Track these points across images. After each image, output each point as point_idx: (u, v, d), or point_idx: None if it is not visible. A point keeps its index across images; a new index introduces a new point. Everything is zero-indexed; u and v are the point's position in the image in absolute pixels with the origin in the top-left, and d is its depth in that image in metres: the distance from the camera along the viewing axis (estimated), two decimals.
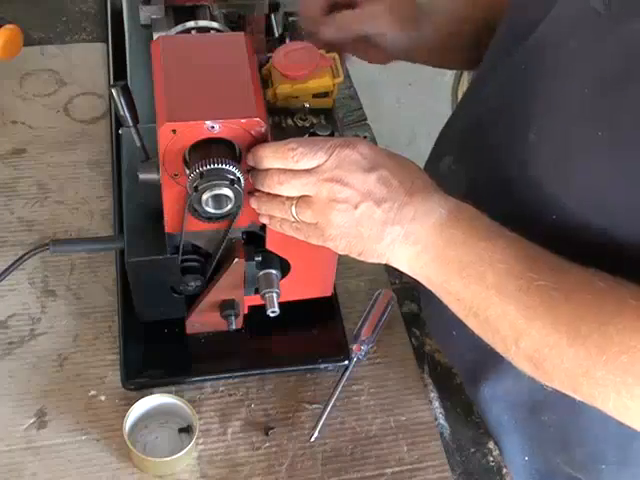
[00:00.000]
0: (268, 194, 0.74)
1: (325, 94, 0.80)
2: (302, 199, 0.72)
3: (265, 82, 0.80)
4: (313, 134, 0.77)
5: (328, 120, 0.79)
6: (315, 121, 0.79)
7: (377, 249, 0.72)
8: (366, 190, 0.70)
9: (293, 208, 0.73)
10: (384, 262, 0.73)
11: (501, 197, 0.75)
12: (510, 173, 0.75)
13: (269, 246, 0.85)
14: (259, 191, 0.75)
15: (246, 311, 0.92)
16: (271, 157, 0.72)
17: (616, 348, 0.63)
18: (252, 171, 0.74)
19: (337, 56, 0.82)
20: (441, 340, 0.96)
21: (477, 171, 0.82)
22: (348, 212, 0.70)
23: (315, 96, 0.80)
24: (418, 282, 0.74)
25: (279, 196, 0.73)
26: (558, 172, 0.70)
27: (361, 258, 0.74)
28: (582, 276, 0.66)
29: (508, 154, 0.75)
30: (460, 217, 0.70)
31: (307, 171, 0.71)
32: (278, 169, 0.72)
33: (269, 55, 0.81)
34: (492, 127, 0.79)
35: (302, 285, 0.91)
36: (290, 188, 0.72)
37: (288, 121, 0.79)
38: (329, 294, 0.95)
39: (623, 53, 0.63)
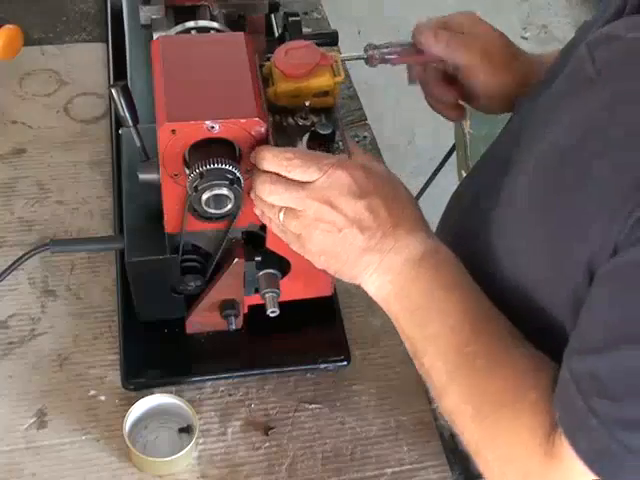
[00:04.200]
0: None
1: (326, 93, 0.80)
2: (291, 209, 0.73)
3: (266, 81, 0.80)
4: (314, 133, 0.77)
5: (329, 119, 0.79)
6: (316, 120, 0.79)
7: (352, 272, 0.74)
8: (353, 216, 0.71)
9: (281, 214, 0.73)
10: (356, 283, 0.75)
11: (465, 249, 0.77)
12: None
13: (269, 245, 0.85)
14: None
15: (246, 311, 0.92)
16: (269, 160, 0.72)
17: (502, 439, 0.66)
18: (253, 169, 0.74)
19: (337, 55, 0.82)
20: None
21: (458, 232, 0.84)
22: (331, 234, 0.71)
23: (316, 95, 0.80)
24: None
25: None
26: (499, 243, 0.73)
27: (336, 276, 0.76)
28: (512, 353, 0.69)
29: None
30: (432, 260, 0.72)
31: (299, 184, 0.71)
32: (272, 176, 0.72)
33: (269, 55, 0.81)
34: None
35: (302, 285, 0.91)
36: (278, 199, 0.73)
37: (289, 120, 0.79)
38: (329, 294, 0.95)
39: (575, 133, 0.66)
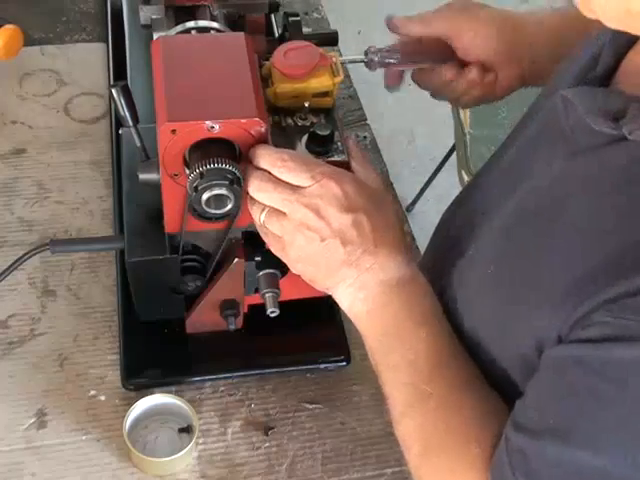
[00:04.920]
0: None
1: (325, 93, 0.80)
2: (275, 210, 0.73)
3: (265, 81, 0.80)
4: (313, 133, 0.77)
5: (328, 119, 0.79)
6: (315, 120, 0.79)
7: (327, 282, 0.74)
8: (337, 228, 0.71)
9: (263, 215, 0.73)
10: (329, 293, 0.75)
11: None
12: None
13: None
14: None
15: (246, 310, 0.92)
16: (264, 158, 0.73)
17: None
18: (247, 166, 0.75)
19: (337, 55, 0.82)
20: None
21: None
22: (314, 242, 0.71)
23: (315, 95, 0.80)
24: None
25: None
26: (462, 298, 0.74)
27: (310, 284, 0.76)
28: (466, 401, 0.70)
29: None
30: (406, 288, 0.72)
31: (290, 187, 0.71)
32: (263, 174, 0.72)
33: (269, 55, 0.81)
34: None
35: (302, 284, 0.91)
36: (266, 198, 0.73)
37: (288, 120, 0.79)
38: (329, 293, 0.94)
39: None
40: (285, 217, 0.72)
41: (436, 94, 0.93)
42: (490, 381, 0.71)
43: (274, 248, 0.76)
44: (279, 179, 0.72)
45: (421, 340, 0.71)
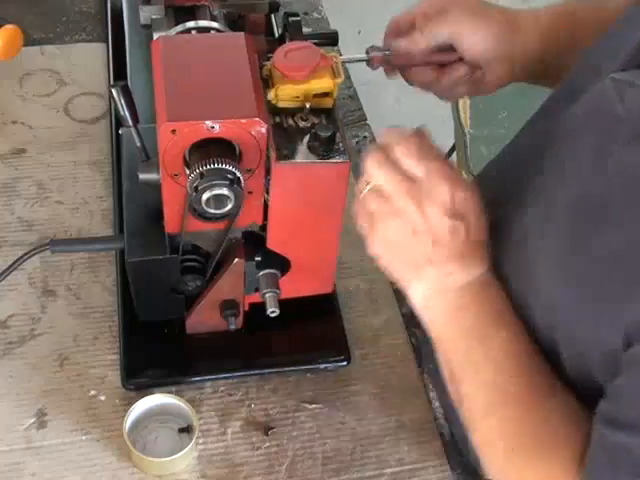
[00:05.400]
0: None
1: (326, 94, 0.80)
2: (380, 188, 0.72)
3: (266, 82, 0.80)
4: (315, 134, 0.77)
5: (329, 120, 0.79)
6: (316, 121, 0.79)
7: (404, 275, 0.74)
8: (434, 228, 0.70)
9: (367, 188, 0.73)
10: (402, 285, 0.75)
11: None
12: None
13: (270, 245, 0.85)
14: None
15: (247, 309, 0.92)
16: (392, 132, 0.73)
17: None
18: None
19: (337, 55, 0.82)
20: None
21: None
22: (406, 232, 0.71)
23: (316, 96, 0.80)
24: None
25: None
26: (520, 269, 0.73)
27: (385, 270, 0.75)
28: (549, 401, 0.70)
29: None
30: (485, 292, 0.73)
31: (402, 174, 0.71)
32: (383, 152, 0.72)
33: (269, 55, 0.81)
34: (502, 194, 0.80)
35: (303, 282, 0.91)
36: (376, 174, 0.72)
37: (289, 121, 0.79)
38: (330, 290, 0.95)
39: (620, 176, 0.65)
40: (387, 199, 0.71)
41: (422, 89, 0.93)
42: (563, 379, 0.70)
43: (363, 224, 0.75)
44: (396, 162, 0.71)
45: (502, 342, 0.71)
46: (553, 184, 0.71)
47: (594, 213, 0.66)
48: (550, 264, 0.69)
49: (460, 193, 0.70)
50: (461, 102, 1.53)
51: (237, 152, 0.76)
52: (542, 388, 0.70)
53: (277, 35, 1.03)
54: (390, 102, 2.16)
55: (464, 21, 0.85)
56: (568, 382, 0.70)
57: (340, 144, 0.78)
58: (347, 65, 1.11)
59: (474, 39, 0.85)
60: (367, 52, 0.89)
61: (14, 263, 0.88)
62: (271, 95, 0.79)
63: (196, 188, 0.74)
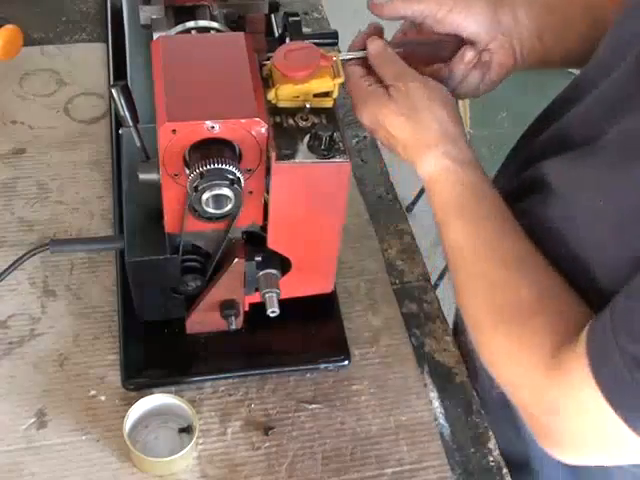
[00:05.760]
0: None
1: (326, 93, 0.80)
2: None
3: (266, 82, 0.80)
4: (315, 134, 0.77)
5: (329, 120, 0.79)
6: (316, 121, 0.79)
7: (424, 140, 0.79)
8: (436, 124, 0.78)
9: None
10: (413, 154, 0.80)
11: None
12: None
13: (270, 245, 0.85)
14: None
15: (247, 309, 0.92)
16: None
17: (513, 348, 0.72)
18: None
19: (338, 55, 0.82)
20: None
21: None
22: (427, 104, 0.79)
23: (316, 96, 0.80)
24: None
25: None
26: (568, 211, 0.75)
27: (396, 138, 0.80)
28: (539, 271, 0.73)
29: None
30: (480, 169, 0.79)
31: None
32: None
33: (269, 55, 0.81)
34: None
35: (303, 282, 0.91)
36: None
37: (289, 121, 0.79)
38: (330, 290, 0.95)
39: None
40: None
41: None
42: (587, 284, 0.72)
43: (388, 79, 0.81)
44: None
45: (502, 210, 0.77)
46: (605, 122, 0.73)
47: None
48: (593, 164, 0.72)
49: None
50: (461, 102, 1.53)
51: (237, 152, 0.76)
52: (538, 263, 0.73)
53: (277, 35, 1.03)
54: None
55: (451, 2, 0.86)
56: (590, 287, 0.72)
57: (340, 144, 0.78)
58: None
59: (467, 13, 0.86)
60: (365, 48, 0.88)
61: (14, 263, 0.88)
62: (271, 95, 0.79)
63: (196, 188, 0.74)
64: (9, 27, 1.14)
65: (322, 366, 0.94)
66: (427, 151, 0.78)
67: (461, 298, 0.77)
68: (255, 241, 0.86)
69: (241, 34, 0.82)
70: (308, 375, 0.94)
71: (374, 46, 0.84)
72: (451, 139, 0.79)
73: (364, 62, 0.85)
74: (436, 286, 1.93)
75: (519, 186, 0.84)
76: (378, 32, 0.88)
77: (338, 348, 0.95)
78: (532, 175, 0.81)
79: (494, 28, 0.87)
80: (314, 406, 0.92)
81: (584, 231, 0.72)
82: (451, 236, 0.77)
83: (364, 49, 0.86)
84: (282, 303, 0.86)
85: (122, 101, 0.79)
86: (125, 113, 0.79)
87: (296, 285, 0.90)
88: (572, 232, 0.73)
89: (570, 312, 0.70)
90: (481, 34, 0.87)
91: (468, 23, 0.87)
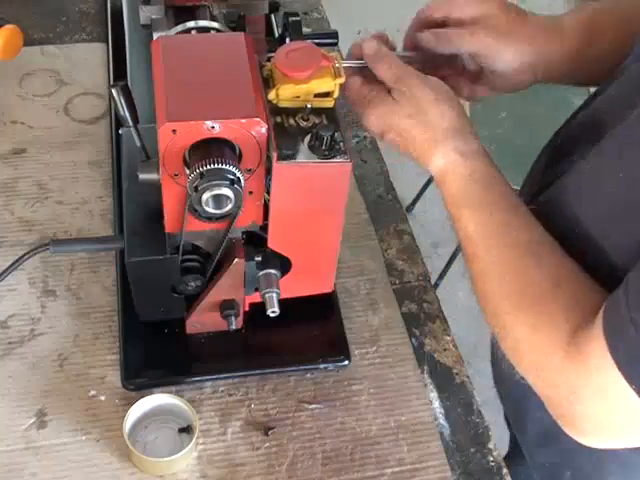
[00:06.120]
0: None
1: (327, 93, 0.80)
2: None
3: (267, 82, 0.80)
4: (316, 134, 0.77)
5: (330, 120, 0.79)
6: (317, 121, 0.79)
7: (433, 136, 0.79)
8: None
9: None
10: (425, 151, 0.79)
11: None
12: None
13: (270, 245, 0.85)
14: None
15: (247, 308, 0.92)
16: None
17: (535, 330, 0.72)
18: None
19: (338, 56, 0.82)
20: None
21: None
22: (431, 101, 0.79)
23: (317, 96, 0.80)
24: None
25: None
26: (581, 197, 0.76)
27: (407, 133, 0.80)
28: (556, 256, 0.73)
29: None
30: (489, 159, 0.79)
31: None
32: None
33: (270, 55, 0.81)
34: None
35: (303, 282, 0.91)
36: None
37: (290, 121, 0.79)
38: (330, 290, 0.95)
39: None
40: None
41: None
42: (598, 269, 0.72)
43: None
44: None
45: (514, 201, 0.77)
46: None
47: None
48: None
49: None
50: (461, 102, 1.53)
51: (237, 152, 0.76)
52: (553, 247, 0.74)
53: (277, 35, 1.03)
54: None
55: (495, 41, 0.85)
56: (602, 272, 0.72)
57: (341, 144, 0.78)
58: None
59: (502, 57, 0.86)
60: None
61: (14, 263, 0.88)
62: (272, 95, 0.79)
63: (196, 188, 0.74)
64: (9, 27, 1.14)
65: (322, 366, 0.94)
66: (436, 148, 0.79)
67: (478, 286, 0.77)
68: (255, 241, 0.86)
69: (241, 34, 0.82)
70: (308, 375, 0.94)
71: (369, 45, 0.83)
72: (458, 132, 0.79)
73: (362, 71, 0.85)
74: (436, 286, 1.94)
75: (545, 180, 0.84)
76: (384, 41, 0.87)
77: (338, 348, 0.95)
78: (559, 169, 0.81)
79: (520, 64, 0.86)
80: (314, 406, 0.92)
81: (599, 209, 0.73)
82: (462, 226, 0.77)
83: (361, 59, 0.86)
84: (282, 303, 0.86)
85: (122, 101, 0.79)
86: (125, 113, 0.79)
87: (296, 285, 0.90)
88: (587, 212, 0.74)
89: (586, 296, 0.70)
90: (503, 70, 0.87)
91: (494, 63, 0.86)
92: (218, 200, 0.75)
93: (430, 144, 0.79)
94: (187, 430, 0.87)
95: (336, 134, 0.77)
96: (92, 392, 0.91)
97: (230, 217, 0.80)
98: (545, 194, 0.81)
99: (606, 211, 0.72)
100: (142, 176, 0.80)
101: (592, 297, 0.70)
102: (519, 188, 0.95)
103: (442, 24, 0.87)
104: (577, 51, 0.86)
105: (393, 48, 0.87)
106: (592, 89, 0.89)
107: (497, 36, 0.85)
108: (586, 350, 0.67)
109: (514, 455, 1.08)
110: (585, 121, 0.84)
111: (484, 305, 0.76)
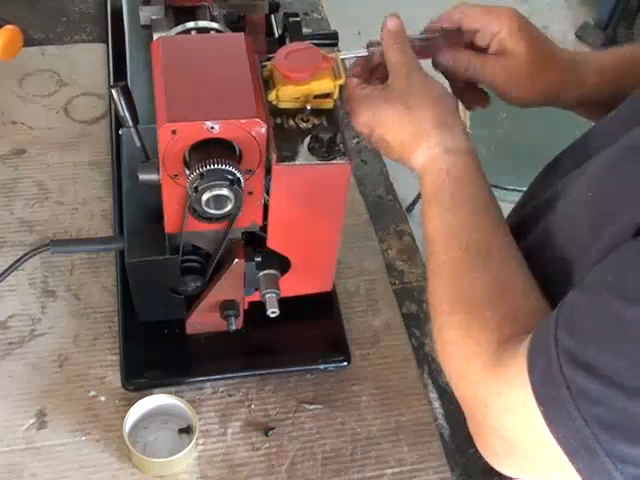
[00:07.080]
0: None
1: (327, 95, 0.80)
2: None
3: (266, 83, 0.80)
4: (315, 135, 0.77)
5: (330, 121, 0.79)
6: (317, 122, 0.79)
7: (422, 127, 0.78)
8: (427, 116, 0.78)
9: None
10: (410, 145, 0.78)
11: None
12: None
13: (270, 245, 0.85)
14: None
15: (247, 307, 0.92)
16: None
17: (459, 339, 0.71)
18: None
19: (339, 57, 0.82)
20: None
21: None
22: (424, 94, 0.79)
23: (317, 97, 0.80)
24: None
25: None
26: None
27: (402, 122, 0.79)
28: (508, 267, 0.72)
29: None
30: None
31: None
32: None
33: (270, 55, 0.81)
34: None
35: (302, 281, 0.91)
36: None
37: (290, 122, 0.79)
38: (329, 289, 0.95)
39: None
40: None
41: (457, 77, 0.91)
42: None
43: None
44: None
45: (485, 201, 0.76)
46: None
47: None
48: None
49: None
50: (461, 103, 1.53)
51: (237, 152, 0.76)
52: (507, 258, 0.73)
53: (277, 35, 1.03)
54: None
55: (516, 80, 0.84)
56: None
57: (341, 145, 0.78)
58: (348, 65, 1.11)
59: (517, 95, 0.85)
60: (368, 47, 0.88)
61: (14, 263, 0.88)
62: (272, 96, 0.79)
63: (196, 188, 0.74)
64: (9, 27, 1.14)
65: (322, 366, 0.94)
66: (421, 143, 0.78)
67: (428, 283, 0.76)
68: (255, 241, 0.86)
69: (241, 34, 0.82)
70: (308, 375, 0.94)
71: (394, 22, 0.82)
72: (447, 128, 0.78)
73: (365, 62, 0.85)
74: None
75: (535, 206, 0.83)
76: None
77: (338, 349, 0.95)
78: (550, 193, 0.81)
79: (542, 96, 0.86)
80: (314, 406, 0.92)
81: (572, 230, 0.72)
82: (427, 222, 0.76)
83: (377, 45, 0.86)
84: (282, 303, 0.86)
85: (122, 101, 0.79)
86: (125, 113, 0.79)
87: (295, 284, 0.90)
88: (562, 231, 0.73)
89: (528, 311, 0.69)
90: (523, 98, 0.86)
91: (518, 92, 0.86)
92: (218, 200, 0.75)
93: (416, 137, 0.78)
94: (187, 430, 0.87)
95: (336, 135, 0.77)
96: (92, 392, 0.91)
97: (230, 217, 0.80)
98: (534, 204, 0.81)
99: (573, 235, 0.71)
100: (142, 177, 0.80)
101: (535, 314, 0.68)
102: (519, 188, 0.94)
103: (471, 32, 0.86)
104: (600, 92, 0.85)
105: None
106: None
107: (518, 75, 0.84)
108: (507, 362, 0.65)
109: None
110: (573, 147, 0.83)
111: (430, 303, 0.75)
